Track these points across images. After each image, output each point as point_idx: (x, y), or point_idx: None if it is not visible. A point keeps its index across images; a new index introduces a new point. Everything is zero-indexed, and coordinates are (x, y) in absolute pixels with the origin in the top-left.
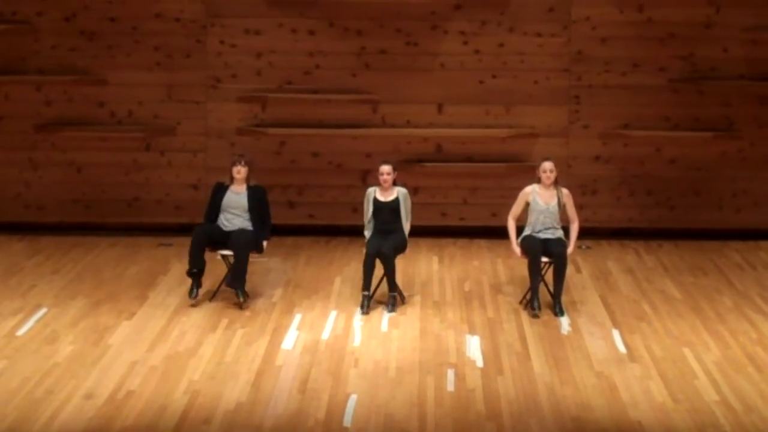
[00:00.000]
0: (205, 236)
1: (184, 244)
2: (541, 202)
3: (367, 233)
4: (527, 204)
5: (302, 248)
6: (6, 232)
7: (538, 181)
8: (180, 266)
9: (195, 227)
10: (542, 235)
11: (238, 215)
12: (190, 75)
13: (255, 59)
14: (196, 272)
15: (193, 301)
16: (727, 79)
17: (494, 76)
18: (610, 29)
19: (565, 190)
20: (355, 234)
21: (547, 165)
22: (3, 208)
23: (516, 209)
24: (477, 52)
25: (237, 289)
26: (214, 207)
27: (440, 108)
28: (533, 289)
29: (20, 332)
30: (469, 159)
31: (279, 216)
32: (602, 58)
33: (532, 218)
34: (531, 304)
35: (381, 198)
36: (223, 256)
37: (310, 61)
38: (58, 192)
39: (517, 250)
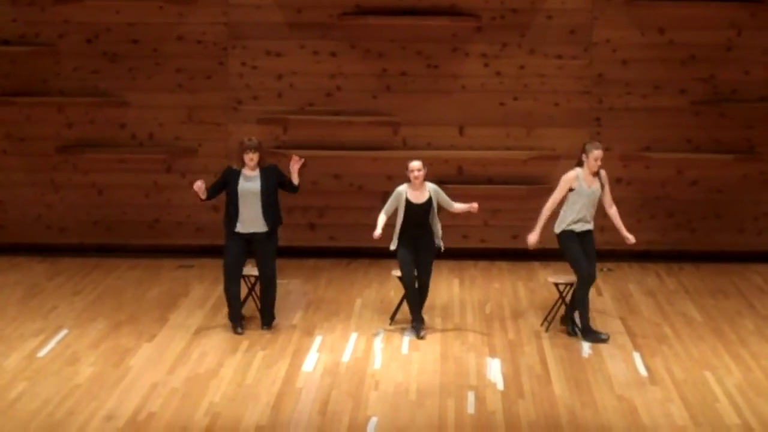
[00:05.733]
0: (238, 282)
1: (205, 265)
2: (585, 186)
3: (394, 246)
4: (568, 191)
5: (323, 270)
6: (27, 253)
7: (579, 164)
8: (200, 288)
9: (226, 284)
10: (579, 227)
11: (254, 202)
12: (212, 97)
13: (276, 81)
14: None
15: (241, 332)
16: (748, 102)
17: (515, 98)
18: (631, 51)
19: (602, 171)
20: (375, 256)
21: (599, 153)
22: (24, 230)
23: (557, 196)
24: (498, 74)
25: (271, 324)
26: (218, 188)
27: (461, 130)
28: (584, 316)
29: (41, 353)
30: (490, 181)
31: (299, 238)
32: (623, 81)
33: (577, 206)
34: (573, 329)
35: (413, 200)
36: (244, 277)
37: (332, 83)
38: (79, 213)
39: (535, 238)
